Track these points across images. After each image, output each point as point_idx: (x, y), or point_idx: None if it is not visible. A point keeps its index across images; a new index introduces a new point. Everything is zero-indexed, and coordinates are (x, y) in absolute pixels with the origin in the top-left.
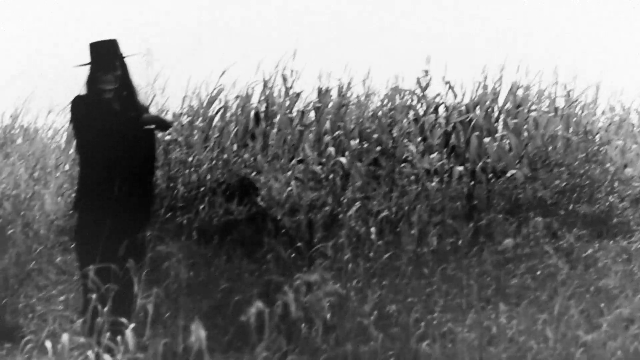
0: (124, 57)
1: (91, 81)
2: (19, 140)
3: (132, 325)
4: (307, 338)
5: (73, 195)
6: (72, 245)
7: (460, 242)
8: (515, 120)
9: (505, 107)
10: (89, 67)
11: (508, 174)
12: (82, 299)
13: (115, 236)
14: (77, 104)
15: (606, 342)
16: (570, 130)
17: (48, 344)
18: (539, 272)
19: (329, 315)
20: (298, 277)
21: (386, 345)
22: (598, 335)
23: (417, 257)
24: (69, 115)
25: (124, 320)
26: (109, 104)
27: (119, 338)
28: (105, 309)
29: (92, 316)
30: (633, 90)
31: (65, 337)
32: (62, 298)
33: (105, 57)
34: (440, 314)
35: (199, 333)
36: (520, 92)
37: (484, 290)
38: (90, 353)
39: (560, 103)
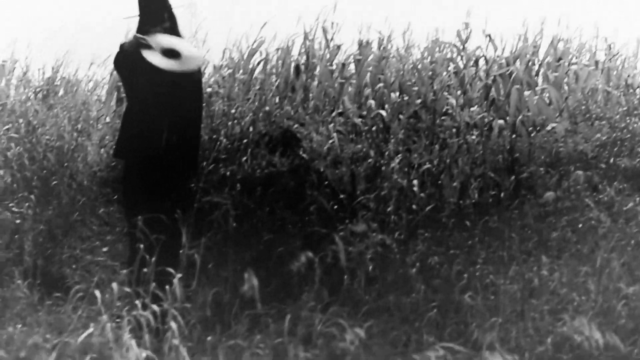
0: (172, 9)
1: (140, 33)
2: (61, 92)
3: (179, 275)
4: (349, 290)
5: (114, 143)
6: (117, 196)
7: (501, 194)
8: (555, 74)
9: (546, 61)
10: (137, 19)
11: (548, 127)
12: (128, 250)
13: (162, 187)
14: (125, 52)
15: None
16: (611, 83)
17: (97, 293)
18: (580, 225)
19: (371, 267)
20: (344, 227)
21: (428, 297)
22: (639, 288)
23: (459, 209)
24: (113, 65)
25: (171, 270)
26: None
27: (167, 288)
28: (153, 259)
29: (140, 266)
30: None
31: (114, 285)
32: (105, 249)
33: (154, 9)
34: (483, 266)
35: (251, 281)
36: (560, 46)
37: (525, 242)
38: (137, 302)
39: (601, 56)
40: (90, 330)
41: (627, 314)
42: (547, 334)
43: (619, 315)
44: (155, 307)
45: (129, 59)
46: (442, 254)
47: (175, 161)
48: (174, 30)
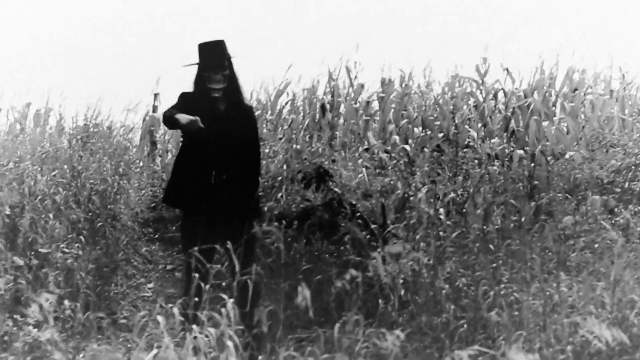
0: (230, 57)
1: (200, 80)
2: (95, 138)
3: (231, 300)
4: (384, 313)
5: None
6: (161, 235)
7: (522, 220)
8: (572, 104)
9: (562, 91)
10: (196, 67)
11: (566, 156)
12: (185, 282)
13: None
14: (186, 97)
15: None
16: (626, 111)
17: (160, 318)
18: (597, 246)
19: (403, 291)
20: (381, 250)
21: (458, 316)
22: None
23: (483, 234)
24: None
25: (224, 296)
26: (216, 105)
27: (222, 310)
28: (207, 286)
29: (196, 294)
30: None
31: (175, 310)
32: (150, 285)
33: (215, 57)
34: (507, 285)
35: (305, 294)
36: (576, 76)
37: (546, 263)
38: (195, 327)
39: (616, 85)
40: (155, 351)
41: None
42: (567, 343)
43: (632, 324)
44: (212, 330)
45: (189, 103)
46: (469, 276)
47: (236, 204)
48: (232, 78)
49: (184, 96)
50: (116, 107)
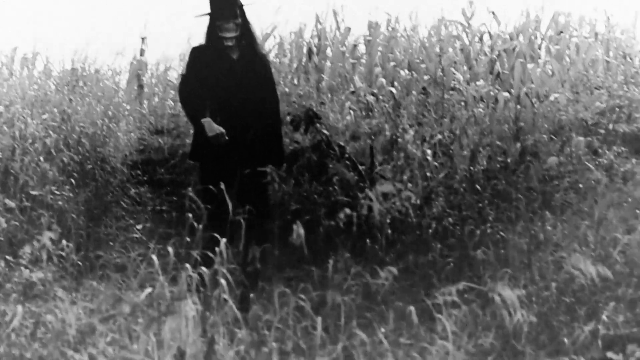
0: (242, 6)
1: (212, 30)
2: (82, 83)
3: (224, 240)
4: (371, 251)
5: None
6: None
7: (508, 160)
8: (557, 46)
9: (548, 34)
10: (208, 17)
11: (551, 98)
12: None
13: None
14: (197, 54)
15: None
16: (610, 54)
17: (154, 257)
18: (581, 186)
19: (390, 231)
20: (372, 189)
21: (444, 254)
22: (633, 237)
23: (470, 175)
24: (185, 64)
25: (217, 235)
26: (229, 55)
27: (216, 250)
28: (200, 225)
29: (189, 234)
30: None
31: (170, 249)
32: (139, 227)
33: (226, 5)
34: (493, 224)
35: (299, 232)
36: (561, 19)
37: (531, 203)
38: (187, 265)
39: (601, 28)
40: (149, 289)
41: (623, 260)
42: (552, 280)
43: (614, 261)
44: (204, 268)
45: (203, 58)
46: (456, 216)
47: (260, 154)
48: (245, 26)
49: (195, 52)
50: (103, 51)
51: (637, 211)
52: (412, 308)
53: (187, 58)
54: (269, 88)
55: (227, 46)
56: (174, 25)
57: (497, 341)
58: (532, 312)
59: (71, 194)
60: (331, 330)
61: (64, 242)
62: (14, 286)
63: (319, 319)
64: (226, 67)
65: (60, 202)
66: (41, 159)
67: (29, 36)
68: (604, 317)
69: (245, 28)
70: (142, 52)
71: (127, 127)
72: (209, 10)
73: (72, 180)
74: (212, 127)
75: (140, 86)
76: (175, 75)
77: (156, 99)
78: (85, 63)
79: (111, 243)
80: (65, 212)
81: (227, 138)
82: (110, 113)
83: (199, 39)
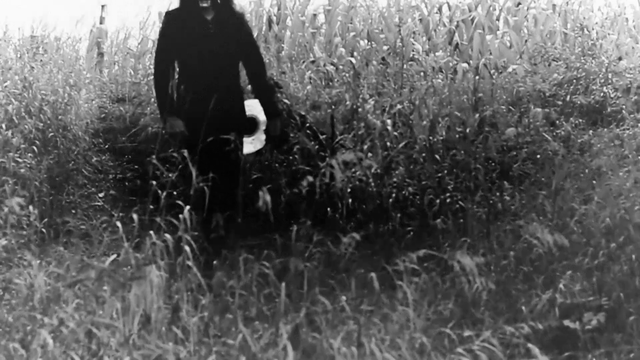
0: None
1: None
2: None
3: (188, 207)
4: (332, 220)
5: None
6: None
7: (467, 131)
8: (515, 18)
9: (506, 5)
10: None
11: (509, 69)
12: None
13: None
14: (170, 18)
15: (597, 213)
16: (568, 26)
17: (118, 224)
18: (538, 157)
19: (350, 200)
20: (334, 157)
21: (404, 223)
22: (590, 207)
23: (429, 145)
24: (159, 29)
25: (181, 202)
26: (203, 16)
27: (180, 217)
28: (164, 193)
29: (153, 201)
30: None
31: (134, 216)
32: (101, 195)
33: None
34: (452, 194)
35: (265, 198)
36: None
37: (489, 173)
38: (152, 232)
39: (558, 0)
40: (115, 255)
41: (580, 230)
42: (510, 249)
43: (571, 231)
44: (168, 236)
45: (176, 24)
46: (415, 185)
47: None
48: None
49: (169, 16)
50: (62, 18)
51: (594, 182)
52: (373, 275)
53: (160, 23)
54: (250, 43)
55: (202, 7)
56: None
57: (456, 308)
58: (490, 280)
59: (33, 162)
60: (294, 297)
61: (30, 208)
62: None
63: (282, 286)
64: (201, 30)
65: (22, 170)
66: (3, 126)
67: None
68: (561, 285)
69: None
70: (101, 20)
71: (88, 96)
72: None
73: (35, 148)
74: (174, 125)
75: (101, 54)
76: (135, 43)
77: (116, 67)
78: (46, 30)
79: (74, 211)
80: (28, 179)
81: (187, 134)
82: (71, 81)
83: (158, 7)
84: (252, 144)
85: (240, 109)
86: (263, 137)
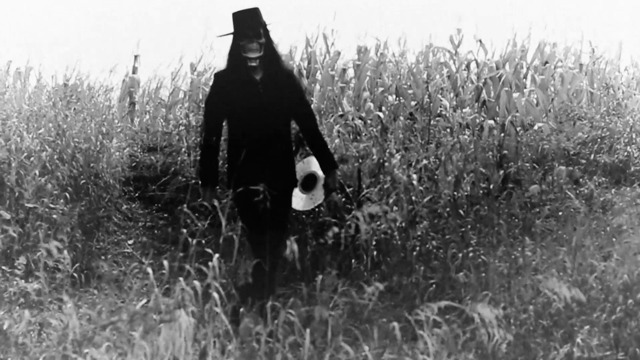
0: (266, 25)
1: (235, 50)
2: (75, 97)
3: (217, 255)
4: (356, 272)
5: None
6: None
7: (491, 187)
8: (542, 76)
9: (533, 64)
10: (231, 37)
11: (535, 127)
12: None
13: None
14: (220, 80)
15: (616, 269)
16: (594, 85)
17: (149, 270)
18: (561, 214)
19: (375, 253)
20: (360, 209)
21: (427, 276)
22: (609, 264)
23: (454, 200)
24: (208, 90)
25: (210, 251)
26: (252, 76)
27: (209, 264)
28: (194, 241)
29: (182, 248)
30: None
31: (165, 262)
32: (130, 242)
33: (250, 25)
34: (475, 249)
35: (293, 247)
36: (547, 49)
37: (512, 229)
38: (181, 279)
39: (585, 59)
40: (145, 300)
41: (599, 286)
42: (530, 304)
43: (590, 287)
44: (197, 283)
45: (225, 85)
46: (439, 239)
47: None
48: (269, 46)
49: (217, 77)
50: (95, 67)
51: (614, 239)
52: (395, 325)
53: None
54: (300, 99)
55: (250, 66)
56: (166, 43)
57: (476, 359)
58: (510, 332)
59: (66, 208)
60: (318, 344)
61: (65, 252)
62: (11, 295)
63: (307, 333)
64: (251, 90)
65: (55, 216)
66: (37, 172)
67: (22, 50)
68: (578, 340)
69: (268, 47)
70: (134, 70)
71: (120, 144)
72: (232, 30)
73: (67, 195)
74: (211, 197)
75: (132, 103)
76: (166, 93)
77: (147, 117)
78: (78, 79)
79: (103, 257)
80: (61, 225)
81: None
82: (103, 129)
83: (190, 58)
84: (312, 200)
85: (291, 164)
86: (322, 192)
